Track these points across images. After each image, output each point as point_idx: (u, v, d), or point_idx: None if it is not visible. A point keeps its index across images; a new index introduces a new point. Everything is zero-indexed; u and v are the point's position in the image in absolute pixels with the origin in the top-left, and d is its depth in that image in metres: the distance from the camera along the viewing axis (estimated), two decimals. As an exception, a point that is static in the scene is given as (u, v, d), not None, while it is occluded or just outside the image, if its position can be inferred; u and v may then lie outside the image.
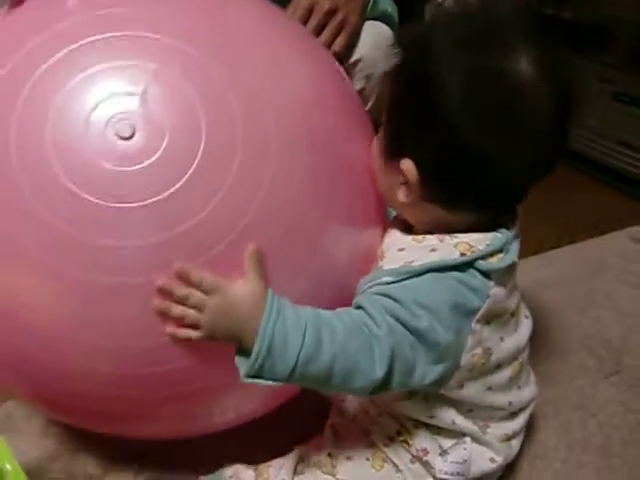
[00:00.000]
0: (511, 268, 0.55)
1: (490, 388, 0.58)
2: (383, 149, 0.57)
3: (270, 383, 0.48)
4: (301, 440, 0.65)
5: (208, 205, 0.48)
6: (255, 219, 0.49)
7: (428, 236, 0.55)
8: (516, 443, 0.64)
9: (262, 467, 0.63)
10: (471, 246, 0.53)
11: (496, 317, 0.55)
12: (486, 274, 0.52)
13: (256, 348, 0.47)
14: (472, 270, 0.52)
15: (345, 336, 0.49)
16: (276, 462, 0.63)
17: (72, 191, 0.46)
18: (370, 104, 0.93)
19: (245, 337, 0.48)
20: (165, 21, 0.52)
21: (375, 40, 0.89)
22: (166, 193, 0.47)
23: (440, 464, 0.57)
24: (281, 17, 0.64)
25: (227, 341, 0.49)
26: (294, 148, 0.52)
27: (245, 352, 0.48)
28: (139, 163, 0.47)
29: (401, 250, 0.56)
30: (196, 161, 0.48)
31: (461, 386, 0.56)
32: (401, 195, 0.56)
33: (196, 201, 0.48)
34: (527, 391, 0.63)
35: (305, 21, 0.83)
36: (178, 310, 0.48)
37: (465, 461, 0.58)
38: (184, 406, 0.55)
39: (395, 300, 0.51)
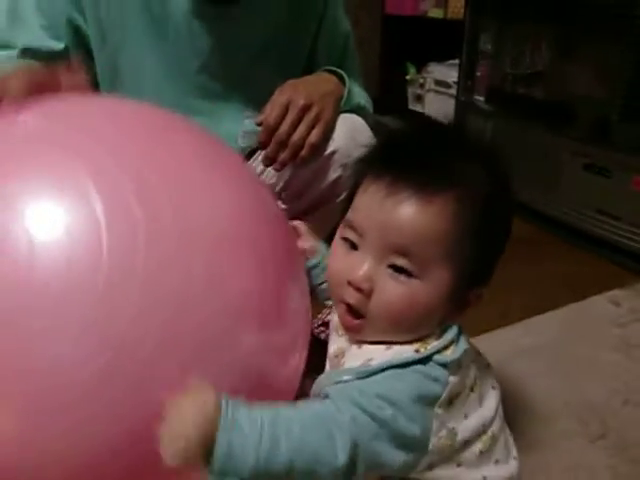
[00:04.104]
0: (464, 355, 0.58)
1: (460, 465, 0.59)
2: (454, 285, 0.57)
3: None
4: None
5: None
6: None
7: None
8: None
9: None
10: (425, 342, 0.57)
11: (455, 397, 0.58)
12: (443, 365, 0.56)
13: (215, 456, 0.48)
14: (431, 362, 0.56)
15: (302, 430, 0.50)
16: None
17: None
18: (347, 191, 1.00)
19: (205, 442, 0.48)
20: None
21: (349, 131, 0.95)
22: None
23: None
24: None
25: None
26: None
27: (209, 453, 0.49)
28: None
29: (359, 347, 0.59)
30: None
31: (431, 467, 0.58)
32: (438, 316, 0.58)
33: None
34: (505, 468, 0.63)
35: (282, 118, 0.88)
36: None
37: None
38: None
39: (359, 392, 0.53)
